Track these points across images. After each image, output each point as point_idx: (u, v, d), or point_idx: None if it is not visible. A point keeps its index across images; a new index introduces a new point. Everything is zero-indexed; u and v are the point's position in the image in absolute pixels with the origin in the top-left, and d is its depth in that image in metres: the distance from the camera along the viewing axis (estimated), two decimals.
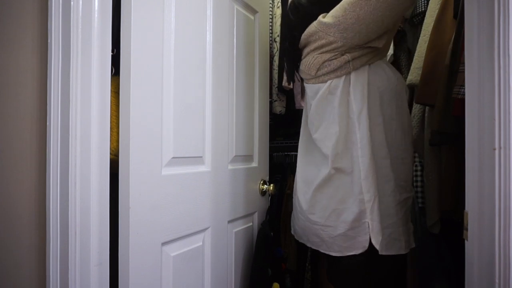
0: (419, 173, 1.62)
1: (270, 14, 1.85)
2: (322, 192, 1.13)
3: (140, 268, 0.92)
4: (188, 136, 1.10)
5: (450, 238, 1.50)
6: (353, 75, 1.08)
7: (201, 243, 1.15)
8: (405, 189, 1.14)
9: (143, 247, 0.93)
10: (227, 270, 1.28)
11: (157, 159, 0.98)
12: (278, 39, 1.90)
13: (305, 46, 1.17)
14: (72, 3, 0.82)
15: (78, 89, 0.82)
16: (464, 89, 0.75)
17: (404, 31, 1.83)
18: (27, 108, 0.87)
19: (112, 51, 0.89)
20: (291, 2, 1.26)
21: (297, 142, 1.34)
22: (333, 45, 1.06)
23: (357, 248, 1.07)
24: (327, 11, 1.10)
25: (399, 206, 1.11)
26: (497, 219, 0.62)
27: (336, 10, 1.06)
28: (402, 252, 1.09)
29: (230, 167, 1.31)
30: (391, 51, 1.73)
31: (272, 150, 1.94)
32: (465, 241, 0.71)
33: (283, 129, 2.16)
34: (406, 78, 1.58)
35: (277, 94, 1.94)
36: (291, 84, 1.83)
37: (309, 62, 1.13)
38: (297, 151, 1.33)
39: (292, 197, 1.36)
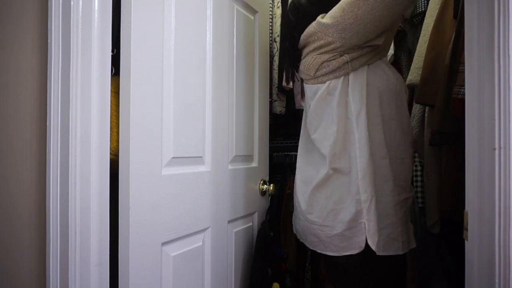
0: (419, 173, 1.62)
1: (270, 14, 1.85)
2: (320, 192, 1.14)
3: (140, 268, 0.92)
4: (188, 136, 1.10)
5: (450, 238, 1.50)
6: (351, 76, 1.08)
7: (201, 243, 1.15)
8: (404, 189, 1.14)
9: (143, 247, 0.93)
10: (227, 270, 1.28)
11: (157, 159, 0.98)
12: (278, 39, 1.90)
13: (304, 46, 1.17)
14: (72, 3, 0.82)
15: (78, 89, 0.82)
16: (464, 89, 0.75)
17: (404, 31, 1.83)
18: (27, 108, 0.87)
19: (112, 51, 0.90)
20: (291, 2, 1.26)
21: (297, 142, 1.34)
22: (332, 46, 1.06)
23: (354, 248, 1.08)
24: (327, 11, 1.10)
25: (398, 206, 1.11)
26: (497, 219, 0.61)
27: (335, 10, 1.06)
28: (400, 252, 1.09)
29: (230, 167, 1.31)
30: (391, 51, 1.73)
31: (272, 150, 1.94)
32: (465, 241, 0.71)
33: (283, 129, 2.16)
34: (407, 78, 1.58)
35: (277, 94, 1.94)
36: (291, 84, 1.83)
37: (308, 62, 1.13)
38: (297, 151, 1.33)
39: (292, 197, 1.36)
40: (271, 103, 1.89)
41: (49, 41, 0.84)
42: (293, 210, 1.32)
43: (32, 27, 0.87)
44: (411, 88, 1.58)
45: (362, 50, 1.07)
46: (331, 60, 1.07)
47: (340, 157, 1.10)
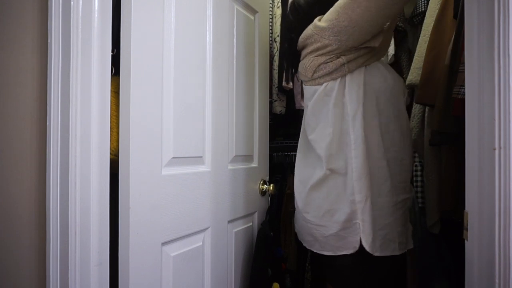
0: (419, 173, 1.62)
1: (270, 14, 1.85)
2: (317, 192, 1.15)
3: (140, 268, 0.92)
4: (188, 136, 1.10)
5: (450, 238, 1.50)
6: (348, 77, 1.09)
7: (201, 243, 1.15)
8: (403, 190, 1.14)
9: (143, 247, 0.93)
10: (227, 270, 1.28)
11: (157, 159, 0.98)
12: (278, 39, 1.90)
13: (302, 48, 1.17)
14: (72, 3, 0.82)
15: (78, 89, 0.82)
16: (464, 89, 0.75)
17: (405, 32, 1.83)
18: (27, 108, 0.87)
19: (112, 51, 0.89)
20: (291, 3, 1.26)
21: (297, 142, 1.34)
22: (328, 48, 1.07)
23: (348, 248, 1.08)
24: (326, 12, 1.11)
25: (396, 207, 1.11)
26: (497, 219, 0.62)
27: (330, 13, 1.07)
28: (397, 253, 1.09)
29: (230, 167, 1.31)
30: (392, 51, 1.74)
31: (272, 150, 1.94)
32: (465, 241, 0.71)
33: (283, 129, 2.16)
34: (407, 78, 1.58)
35: (277, 94, 1.94)
36: (291, 84, 1.83)
37: (306, 64, 1.14)
38: (297, 151, 1.33)
39: (292, 197, 1.36)
40: (271, 103, 1.89)
41: (49, 41, 0.84)
42: (293, 210, 1.32)
43: (32, 27, 0.87)
44: (411, 88, 1.58)
45: (358, 51, 1.08)
46: (328, 62, 1.08)
47: (336, 158, 1.10)
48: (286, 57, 1.34)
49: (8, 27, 0.88)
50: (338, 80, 1.09)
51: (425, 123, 1.51)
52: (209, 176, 1.18)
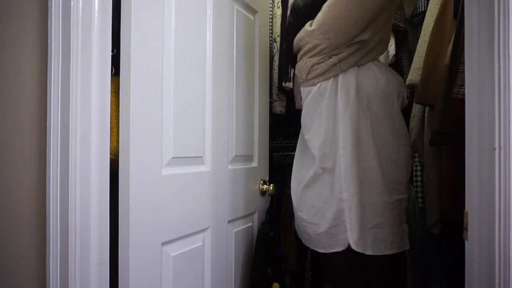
0: (419, 173, 1.62)
1: (270, 14, 1.85)
2: (310, 191, 1.17)
3: (140, 268, 0.92)
4: (188, 136, 1.10)
5: (450, 238, 1.50)
6: (341, 77, 1.11)
7: (201, 243, 1.15)
8: (397, 191, 1.14)
9: (143, 247, 0.93)
10: (227, 270, 1.28)
11: (157, 159, 0.98)
12: (278, 39, 1.90)
13: (298, 50, 1.20)
14: (72, 3, 0.82)
15: (78, 89, 0.82)
16: (464, 89, 0.75)
17: (406, 32, 1.83)
18: (27, 108, 0.87)
19: (112, 51, 0.89)
20: (291, 5, 1.28)
21: (297, 142, 1.34)
22: (319, 48, 1.10)
23: (339, 246, 1.10)
24: None
25: (388, 207, 1.11)
26: (497, 219, 0.61)
27: (318, 15, 1.11)
28: (388, 252, 1.10)
29: (230, 167, 1.31)
30: (393, 51, 1.74)
31: (272, 150, 1.94)
32: (465, 241, 0.71)
33: (283, 129, 2.16)
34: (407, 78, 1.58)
35: (277, 94, 1.94)
36: (291, 84, 1.84)
37: (300, 66, 1.17)
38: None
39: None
40: (271, 103, 1.89)
41: (49, 41, 0.84)
42: (293, 210, 1.32)
43: (32, 27, 0.87)
44: (411, 88, 1.58)
45: (349, 49, 1.09)
46: (320, 63, 1.11)
47: (329, 157, 1.12)
48: (285, 57, 1.36)
49: (8, 27, 0.88)
50: (331, 80, 1.11)
51: (425, 123, 1.51)
52: (209, 176, 1.18)
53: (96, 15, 0.85)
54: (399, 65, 1.84)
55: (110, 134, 0.89)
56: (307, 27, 1.13)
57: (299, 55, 1.19)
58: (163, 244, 1.00)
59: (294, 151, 1.33)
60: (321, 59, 1.10)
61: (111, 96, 0.88)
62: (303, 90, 1.22)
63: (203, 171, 1.17)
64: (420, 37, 1.54)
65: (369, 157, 1.10)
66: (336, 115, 1.11)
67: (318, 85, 1.13)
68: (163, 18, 1.00)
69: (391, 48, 1.74)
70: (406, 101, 1.24)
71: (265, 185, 1.52)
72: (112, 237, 0.88)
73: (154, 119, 0.97)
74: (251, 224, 1.47)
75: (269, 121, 1.65)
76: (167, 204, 1.01)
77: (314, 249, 1.18)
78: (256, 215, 1.49)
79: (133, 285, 0.90)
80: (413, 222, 1.58)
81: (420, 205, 1.60)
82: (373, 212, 1.09)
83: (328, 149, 1.12)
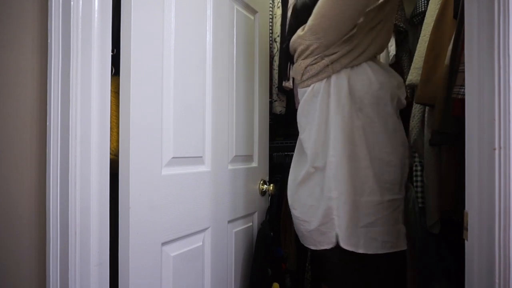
0: (419, 173, 1.62)
1: (270, 14, 1.85)
2: (303, 189, 1.19)
3: (140, 268, 0.92)
4: (188, 136, 1.10)
5: (450, 238, 1.50)
6: (333, 78, 1.12)
7: (201, 243, 1.15)
8: (390, 191, 1.14)
9: (143, 247, 0.93)
10: (227, 270, 1.28)
11: (157, 159, 0.98)
12: (278, 39, 1.90)
13: (293, 53, 1.21)
14: (72, 3, 0.82)
15: (78, 89, 0.82)
16: (464, 89, 0.75)
17: (406, 32, 1.83)
18: (27, 108, 0.87)
19: (112, 51, 0.89)
20: (292, 7, 1.29)
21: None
22: (311, 48, 1.11)
23: (328, 243, 1.12)
24: None
25: (380, 207, 1.12)
26: (497, 219, 0.61)
27: (309, 19, 1.12)
28: (379, 252, 1.11)
29: (230, 167, 1.31)
30: (393, 52, 1.74)
31: (272, 150, 1.94)
32: (465, 241, 0.71)
33: (283, 129, 2.16)
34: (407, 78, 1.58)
35: (277, 94, 1.94)
36: (291, 84, 1.84)
37: (295, 68, 1.19)
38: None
39: None
40: (271, 103, 1.89)
41: (49, 41, 0.84)
42: None
43: (32, 27, 0.87)
44: (411, 88, 1.58)
45: (341, 48, 1.09)
46: (313, 64, 1.13)
47: (320, 156, 1.14)
48: (284, 59, 1.37)
49: (8, 27, 0.88)
50: (324, 81, 1.13)
51: (425, 123, 1.51)
52: (209, 176, 1.18)
53: (96, 15, 0.85)
54: (400, 65, 1.84)
55: (110, 134, 0.89)
56: (299, 31, 1.16)
57: (294, 58, 1.21)
58: (163, 244, 1.00)
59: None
60: (314, 60, 1.12)
61: (111, 96, 0.88)
62: (299, 91, 1.24)
63: (203, 171, 1.17)
64: (420, 37, 1.54)
65: (361, 157, 1.11)
66: (328, 116, 1.13)
67: (312, 86, 1.15)
68: (163, 18, 1.00)
69: (392, 48, 1.74)
70: (405, 102, 1.24)
71: (265, 185, 1.52)
72: (112, 237, 0.88)
73: (154, 119, 0.97)
74: (251, 224, 1.47)
75: (269, 121, 1.65)
76: (167, 204, 1.01)
77: (307, 246, 1.20)
78: (256, 215, 1.49)
79: (133, 285, 0.90)
80: (413, 222, 1.58)
81: (420, 205, 1.60)
82: (364, 211, 1.10)
83: (319, 149, 1.14)
